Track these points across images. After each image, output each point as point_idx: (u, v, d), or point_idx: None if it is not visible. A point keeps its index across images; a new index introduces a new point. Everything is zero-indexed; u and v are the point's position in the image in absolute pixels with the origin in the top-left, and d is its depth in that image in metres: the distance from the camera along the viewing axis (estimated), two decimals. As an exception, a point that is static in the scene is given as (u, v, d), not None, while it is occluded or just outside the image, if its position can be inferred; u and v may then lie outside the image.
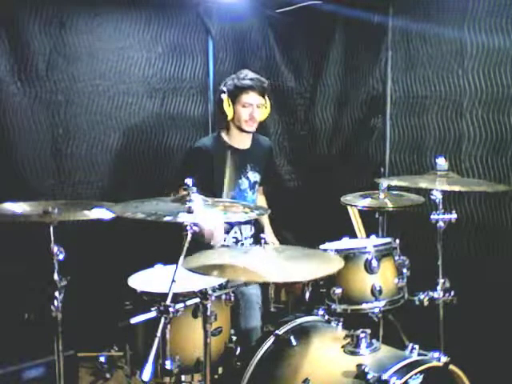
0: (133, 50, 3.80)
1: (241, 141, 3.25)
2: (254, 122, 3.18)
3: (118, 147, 3.82)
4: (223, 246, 3.13)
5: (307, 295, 2.46)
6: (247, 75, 3.15)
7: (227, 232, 3.18)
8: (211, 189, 2.93)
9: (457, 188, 2.72)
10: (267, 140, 3.50)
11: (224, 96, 3.14)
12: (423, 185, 2.70)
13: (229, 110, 3.14)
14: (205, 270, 2.00)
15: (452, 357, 2.17)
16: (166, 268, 2.55)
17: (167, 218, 2.00)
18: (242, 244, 3.23)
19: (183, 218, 2.01)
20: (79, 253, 2.66)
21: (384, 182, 2.86)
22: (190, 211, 2.04)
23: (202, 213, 2.08)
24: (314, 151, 4.21)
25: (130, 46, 3.79)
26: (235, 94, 3.13)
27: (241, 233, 3.25)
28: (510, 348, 3.02)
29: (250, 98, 3.13)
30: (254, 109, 3.15)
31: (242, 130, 3.20)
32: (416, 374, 2.09)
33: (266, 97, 3.23)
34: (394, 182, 2.87)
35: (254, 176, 3.30)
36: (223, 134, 3.26)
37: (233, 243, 3.20)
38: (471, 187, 2.87)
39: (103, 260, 3.51)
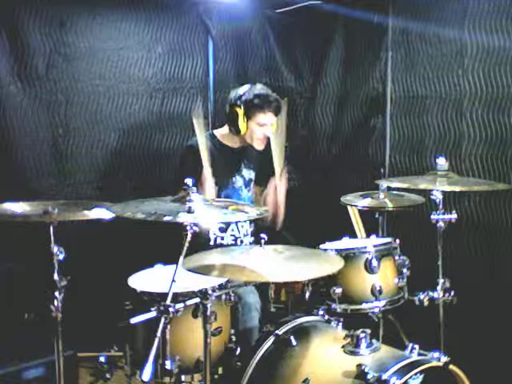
0: (133, 50, 3.80)
1: (234, 139, 3.22)
2: (265, 141, 3.14)
3: (118, 147, 3.82)
4: (222, 245, 3.12)
5: (307, 295, 2.46)
6: (267, 94, 3.08)
7: (224, 230, 3.17)
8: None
9: (457, 188, 2.72)
10: None
11: (240, 111, 3.06)
12: (423, 186, 2.70)
13: (243, 125, 3.07)
14: (204, 270, 2.00)
15: (452, 357, 2.17)
16: (165, 268, 2.55)
17: (167, 218, 2.00)
18: (242, 241, 3.20)
19: (183, 218, 2.02)
20: (79, 253, 2.65)
21: (384, 184, 2.86)
22: (190, 211, 2.04)
23: (202, 212, 2.08)
24: (313, 151, 4.20)
25: (129, 46, 3.79)
26: (252, 111, 3.06)
27: (238, 230, 3.20)
28: (510, 348, 3.02)
29: (267, 118, 3.08)
30: (268, 128, 3.10)
31: (250, 145, 3.16)
32: (416, 374, 2.09)
33: None
34: (394, 184, 2.87)
35: (249, 173, 3.29)
36: (217, 132, 3.25)
37: (231, 241, 3.18)
38: (471, 187, 2.88)
39: (103, 260, 3.51)
